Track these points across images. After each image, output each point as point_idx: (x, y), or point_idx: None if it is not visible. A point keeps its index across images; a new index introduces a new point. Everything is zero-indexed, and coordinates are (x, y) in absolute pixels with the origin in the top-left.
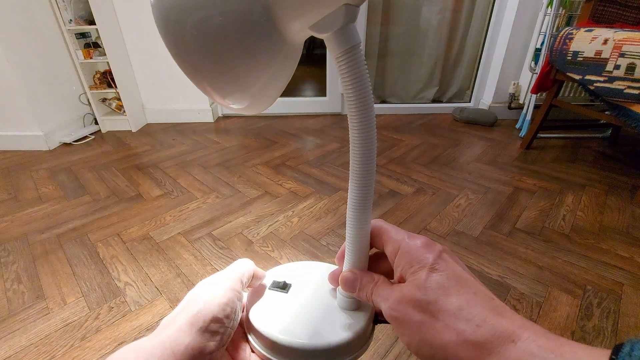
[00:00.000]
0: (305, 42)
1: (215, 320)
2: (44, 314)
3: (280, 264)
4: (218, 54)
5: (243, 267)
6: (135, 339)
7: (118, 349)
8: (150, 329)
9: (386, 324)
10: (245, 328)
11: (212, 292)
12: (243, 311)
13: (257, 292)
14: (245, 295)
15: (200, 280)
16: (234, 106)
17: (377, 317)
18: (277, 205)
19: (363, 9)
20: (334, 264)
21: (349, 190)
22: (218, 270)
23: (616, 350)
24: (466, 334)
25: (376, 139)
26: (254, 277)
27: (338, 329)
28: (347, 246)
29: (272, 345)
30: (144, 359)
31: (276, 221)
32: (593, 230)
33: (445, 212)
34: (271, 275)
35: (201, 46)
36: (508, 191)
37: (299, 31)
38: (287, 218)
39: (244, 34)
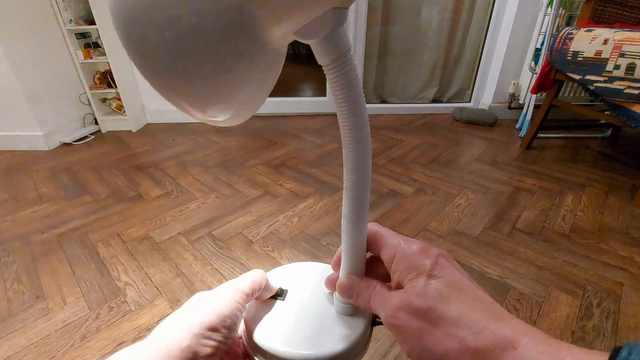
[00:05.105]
0: None
1: (213, 329)
2: (44, 314)
3: (281, 264)
4: (192, 61)
5: (252, 279)
6: (135, 338)
7: (114, 353)
8: (150, 328)
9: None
10: (244, 338)
11: (214, 301)
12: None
13: (257, 302)
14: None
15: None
16: (218, 118)
17: (375, 320)
18: (277, 205)
19: (363, 9)
20: (331, 264)
21: (343, 199)
22: (218, 270)
23: (614, 354)
24: (467, 342)
25: (371, 146)
26: (264, 289)
27: (336, 337)
28: (343, 253)
29: (269, 356)
30: None
31: (276, 221)
32: (593, 230)
33: (445, 212)
34: None
35: (171, 52)
36: (508, 191)
37: (282, 37)
38: (287, 218)
39: (220, 37)
